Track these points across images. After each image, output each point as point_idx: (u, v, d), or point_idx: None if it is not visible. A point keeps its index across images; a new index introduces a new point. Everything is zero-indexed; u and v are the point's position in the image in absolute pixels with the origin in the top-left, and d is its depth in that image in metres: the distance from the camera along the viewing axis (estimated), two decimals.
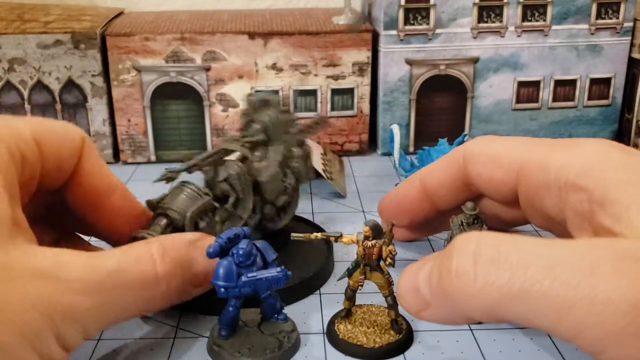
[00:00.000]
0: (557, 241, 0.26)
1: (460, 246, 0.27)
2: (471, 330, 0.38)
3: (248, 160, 0.42)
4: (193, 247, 0.35)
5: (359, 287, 0.37)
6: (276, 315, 0.37)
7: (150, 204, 0.39)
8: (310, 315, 0.39)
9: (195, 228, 0.39)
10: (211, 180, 0.42)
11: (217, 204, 0.40)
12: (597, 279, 0.23)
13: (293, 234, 0.37)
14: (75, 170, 0.36)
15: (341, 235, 0.36)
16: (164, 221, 0.38)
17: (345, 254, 0.46)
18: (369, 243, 0.35)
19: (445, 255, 0.27)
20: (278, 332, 0.36)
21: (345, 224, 0.51)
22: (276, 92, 0.64)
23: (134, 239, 0.37)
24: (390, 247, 0.35)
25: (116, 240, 0.39)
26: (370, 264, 0.35)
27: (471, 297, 0.26)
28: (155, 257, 0.32)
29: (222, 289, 0.34)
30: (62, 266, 0.29)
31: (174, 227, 0.38)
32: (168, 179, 0.40)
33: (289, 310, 0.38)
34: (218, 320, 0.36)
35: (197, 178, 0.42)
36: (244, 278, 0.34)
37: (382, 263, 0.36)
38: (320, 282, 0.42)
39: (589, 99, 0.67)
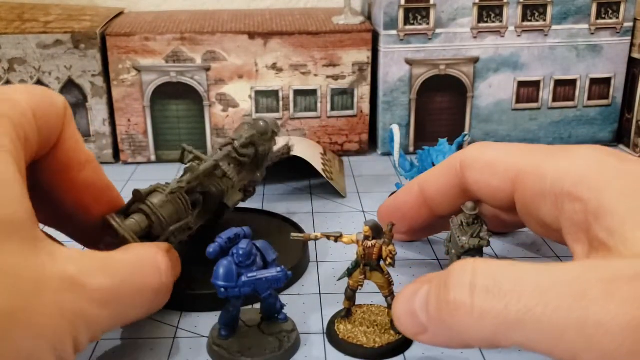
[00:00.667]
0: (551, 265, 0.26)
1: (456, 276, 0.27)
2: None
3: (230, 188, 0.44)
4: (166, 259, 0.35)
5: (359, 287, 0.37)
6: (276, 315, 0.37)
7: (137, 195, 0.37)
8: (310, 315, 0.39)
9: (167, 240, 0.38)
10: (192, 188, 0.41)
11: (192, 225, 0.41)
12: (588, 303, 0.23)
13: (293, 234, 0.37)
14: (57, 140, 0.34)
15: (341, 235, 0.36)
16: (145, 222, 0.37)
17: (345, 254, 0.46)
18: (369, 243, 0.35)
19: (442, 284, 0.27)
20: (278, 332, 0.36)
21: (345, 224, 0.51)
22: (276, 92, 0.64)
23: (105, 222, 0.36)
24: (390, 247, 0.35)
25: (83, 220, 0.37)
26: (370, 264, 0.35)
27: (469, 327, 0.26)
28: (162, 269, 0.34)
29: (222, 289, 0.34)
30: (85, 273, 0.29)
31: (150, 232, 0.37)
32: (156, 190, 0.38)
33: (289, 309, 0.38)
34: (218, 320, 0.36)
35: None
36: (244, 278, 0.34)
37: (382, 263, 0.36)
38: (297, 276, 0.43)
39: (589, 99, 0.67)
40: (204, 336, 0.37)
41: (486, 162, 0.36)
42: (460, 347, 0.30)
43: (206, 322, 0.38)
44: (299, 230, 0.47)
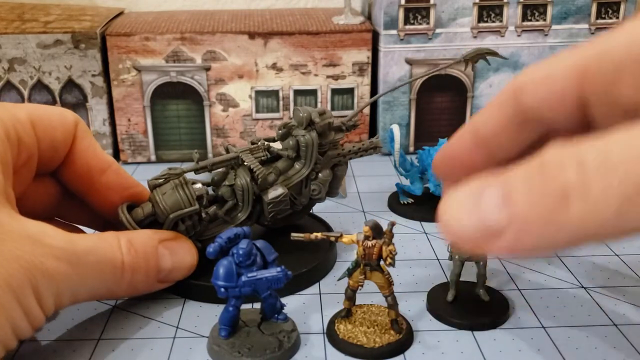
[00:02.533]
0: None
1: (556, 158, 0.21)
2: (471, 330, 0.38)
3: (263, 179, 0.42)
4: (162, 245, 0.38)
5: (359, 287, 0.37)
6: (276, 315, 0.37)
7: (150, 185, 0.41)
8: (310, 315, 0.39)
9: (174, 228, 0.40)
10: (218, 180, 0.43)
11: (204, 212, 0.41)
12: None
13: (293, 234, 0.37)
14: (70, 151, 0.39)
15: (341, 235, 0.36)
16: (149, 209, 0.40)
17: (345, 254, 0.46)
18: (369, 243, 0.35)
19: (534, 172, 0.22)
20: (278, 332, 0.36)
21: (345, 224, 0.51)
22: (276, 92, 0.64)
23: (120, 212, 0.40)
24: (391, 247, 0.35)
25: (114, 218, 0.41)
26: (371, 263, 0.35)
27: (583, 215, 0.20)
28: (123, 248, 0.36)
29: (222, 289, 0.34)
30: (46, 234, 0.32)
31: (155, 220, 0.41)
32: (166, 180, 0.41)
33: (289, 309, 0.38)
34: (218, 320, 0.36)
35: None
36: (244, 278, 0.34)
37: (382, 263, 0.36)
38: (320, 276, 0.43)
39: None
40: (204, 336, 0.37)
41: (542, 73, 0.30)
42: (550, 249, 0.23)
43: (206, 322, 0.38)
44: (328, 228, 0.48)
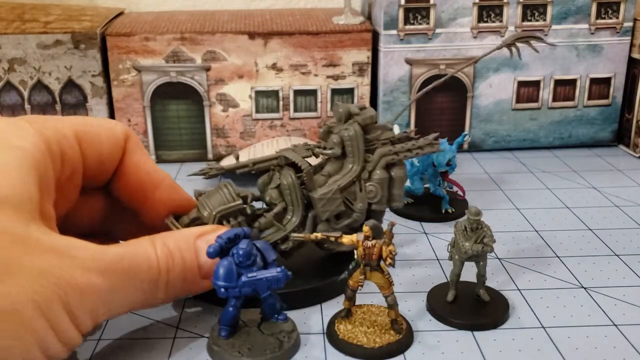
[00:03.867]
0: None
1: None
2: (471, 330, 0.38)
3: (308, 174, 0.40)
4: (200, 240, 0.36)
5: (359, 287, 0.37)
6: (276, 315, 0.37)
7: (196, 194, 0.40)
8: (310, 315, 0.39)
9: None
10: (262, 185, 0.41)
11: (249, 209, 0.39)
12: None
13: (293, 234, 0.37)
14: (120, 165, 0.38)
15: (341, 236, 0.36)
16: (194, 214, 0.39)
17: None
18: (369, 243, 0.35)
19: None
20: (278, 332, 0.36)
21: None
22: (276, 92, 0.64)
23: (165, 224, 0.39)
24: (391, 247, 0.35)
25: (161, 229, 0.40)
26: (371, 264, 0.35)
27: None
28: (157, 248, 0.34)
29: (222, 289, 0.34)
30: (74, 247, 0.30)
31: (201, 222, 0.39)
32: (204, 174, 0.40)
33: (289, 310, 0.38)
34: (218, 320, 0.36)
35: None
36: (244, 278, 0.34)
37: (382, 263, 0.36)
38: (323, 297, 0.41)
39: (589, 98, 0.67)
40: (204, 336, 0.37)
41: None
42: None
43: (206, 322, 0.38)
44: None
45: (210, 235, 0.36)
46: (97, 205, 0.40)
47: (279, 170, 0.40)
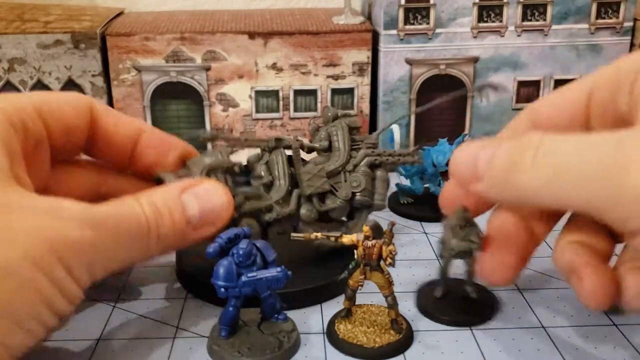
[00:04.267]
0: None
1: (527, 142, 0.29)
2: (471, 329, 0.38)
3: (296, 150, 0.42)
4: (185, 194, 0.36)
5: (359, 287, 0.37)
6: (276, 315, 0.37)
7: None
8: (310, 315, 0.39)
9: None
10: (252, 161, 0.43)
11: (238, 169, 0.41)
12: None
13: (292, 234, 0.37)
14: (93, 133, 0.39)
15: (341, 235, 0.36)
16: (183, 172, 0.40)
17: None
18: (369, 243, 0.35)
19: (513, 147, 0.29)
20: (278, 331, 0.36)
21: None
22: (276, 92, 0.64)
23: (157, 179, 0.39)
24: (391, 247, 0.35)
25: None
26: (371, 263, 0.35)
27: (526, 183, 0.28)
28: (143, 205, 0.34)
29: (222, 289, 0.34)
30: (62, 207, 0.31)
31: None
32: (196, 138, 0.41)
33: (289, 310, 0.38)
34: (218, 320, 0.36)
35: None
36: (244, 278, 0.34)
37: (382, 263, 0.35)
38: (323, 297, 0.41)
39: None
40: (204, 336, 0.37)
41: (555, 97, 0.36)
42: (506, 199, 0.32)
43: (206, 322, 0.38)
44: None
45: (195, 188, 0.36)
46: (84, 179, 0.41)
47: (270, 151, 0.42)
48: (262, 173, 0.42)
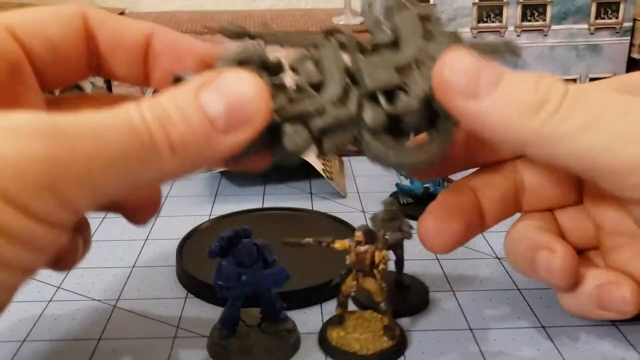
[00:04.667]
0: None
1: (550, 83, 0.27)
2: (471, 329, 0.38)
3: (351, 39, 0.31)
4: (203, 89, 0.27)
5: (352, 294, 0.36)
6: (276, 315, 0.37)
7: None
8: (310, 315, 0.39)
9: None
10: (297, 63, 0.32)
11: (276, 63, 0.31)
12: None
13: (285, 240, 0.36)
14: (91, 47, 0.32)
15: (333, 241, 0.35)
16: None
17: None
18: (362, 248, 0.34)
19: (533, 81, 0.27)
20: (278, 331, 0.36)
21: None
22: None
23: (176, 78, 0.30)
24: (384, 253, 0.34)
25: None
26: (363, 269, 0.35)
27: (547, 122, 0.26)
28: (143, 107, 0.25)
29: (223, 289, 0.34)
30: (13, 122, 0.23)
31: None
32: (223, 31, 0.32)
33: (289, 310, 0.38)
34: (218, 320, 0.36)
35: None
36: (244, 278, 0.34)
37: (375, 269, 0.35)
38: (323, 297, 0.41)
39: None
40: (204, 336, 0.37)
41: None
42: (508, 136, 0.28)
43: (206, 322, 0.38)
44: (351, 227, 0.47)
45: (216, 81, 0.27)
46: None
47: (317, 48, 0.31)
48: (310, 71, 0.31)
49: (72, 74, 0.32)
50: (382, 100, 0.30)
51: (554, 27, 0.64)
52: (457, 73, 0.28)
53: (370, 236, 0.34)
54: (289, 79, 0.32)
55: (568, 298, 0.35)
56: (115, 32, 0.32)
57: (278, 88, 0.30)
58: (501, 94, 0.27)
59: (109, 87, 0.63)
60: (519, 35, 0.64)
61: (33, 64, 0.30)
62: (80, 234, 0.32)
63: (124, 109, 0.25)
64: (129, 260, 0.46)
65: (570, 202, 0.36)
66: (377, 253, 0.34)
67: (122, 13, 0.71)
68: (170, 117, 0.26)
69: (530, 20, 0.64)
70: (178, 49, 0.33)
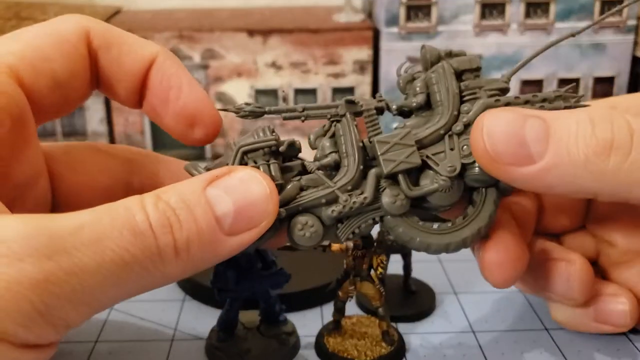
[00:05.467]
0: None
1: (608, 118, 0.25)
2: (473, 332, 0.37)
3: (370, 113, 0.29)
4: (211, 187, 0.25)
5: (349, 299, 0.35)
6: (275, 317, 0.36)
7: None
8: (310, 317, 0.39)
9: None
10: (316, 138, 0.30)
11: (286, 149, 0.29)
12: None
13: (279, 247, 0.35)
14: (94, 71, 0.30)
15: (330, 245, 0.34)
16: (220, 161, 0.30)
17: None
18: (359, 252, 0.33)
19: (588, 123, 0.25)
20: (278, 334, 0.36)
21: None
22: (276, 90, 0.63)
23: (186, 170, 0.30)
24: (381, 257, 0.33)
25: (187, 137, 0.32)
26: (361, 274, 0.34)
27: (623, 167, 0.24)
28: (147, 205, 0.24)
29: (221, 292, 0.34)
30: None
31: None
32: (237, 111, 0.30)
33: (288, 311, 0.38)
34: (217, 322, 0.36)
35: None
36: (242, 280, 0.34)
37: (372, 273, 0.34)
38: (323, 299, 0.40)
39: (593, 97, 0.66)
40: (202, 338, 0.37)
41: None
42: (573, 190, 0.26)
43: (204, 324, 0.38)
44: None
45: (226, 178, 0.26)
46: (105, 164, 0.32)
47: (337, 121, 0.29)
48: (326, 150, 0.29)
49: (75, 103, 0.30)
50: (402, 182, 0.28)
51: (557, 25, 0.64)
52: (499, 142, 0.26)
53: (367, 239, 0.33)
54: (308, 161, 0.30)
55: (562, 310, 0.34)
56: (118, 60, 0.30)
57: (289, 173, 0.29)
58: (558, 148, 0.25)
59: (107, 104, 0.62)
60: (522, 34, 0.64)
61: (35, 104, 0.28)
62: None
63: (127, 206, 0.23)
64: None
65: (577, 225, 0.36)
66: (374, 257, 0.34)
67: (119, 11, 0.70)
68: (177, 216, 0.24)
69: (533, 18, 0.63)
70: (167, 91, 0.31)
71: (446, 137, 0.29)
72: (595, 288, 0.33)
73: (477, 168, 0.28)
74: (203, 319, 0.39)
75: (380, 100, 0.30)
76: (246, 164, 0.28)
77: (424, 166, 0.28)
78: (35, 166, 0.28)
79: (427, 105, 0.30)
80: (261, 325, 0.36)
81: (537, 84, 0.65)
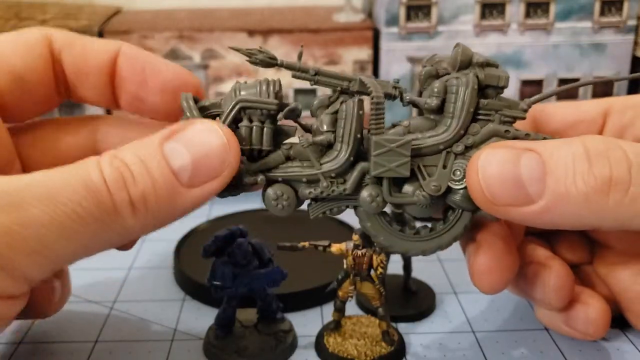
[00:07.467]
0: None
1: (604, 152, 0.24)
2: (473, 332, 0.37)
3: (378, 103, 0.28)
4: (169, 142, 0.26)
5: (349, 299, 0.35)
6: (273, 315, 0.36)
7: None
8: (309, 316, 0.39)
9: (235, 125, 0.28)
10: (319, 107, 0.30)
11: (284, 115, 0.29)
12: None
13: (279, 244, 0.35)
14: (59, 73, 0.31)
15: (330, 245, 0.34)
16: (216, 100, 0.30)
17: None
18: (359, 252, 0.33)
19: (584, 158, 0.24)
20: (275, 331, 0.36)
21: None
22: None
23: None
24: (381, 256, 0.33)
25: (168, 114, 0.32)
26: (361, 274, 0.34)
27: (616, 206, 0.24)
28: (102, 162, 0.25)
29: (218, 289, 0.34)
30: None
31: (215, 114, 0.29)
32: (249, 54, 0.30)
33: (286, 309, 0.38)
34: (214, 320, 0.36)
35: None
36: (239, 277, 0.34)
37: (372, 273, 0.34)
38: (323, 299, 0.40)
39: (593, 97, 0.66)
40: (201, 337, 0.37)
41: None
42: (576, 225, 0.26)
43: (204, 323, 0.38)
44: (350, 229, 0.47)
45: (183, 132, 0.26)
46: (74, 138, 0.32)
47: (346, 97, 0.29)
48: (324, 126, 0.29)
49: (42, 104, 0.31)
50: (385, 186, 0.28)
51: (557, 25, 0.64)
52: (496, 184, 0.26)
53: (367, 239, 0.33)
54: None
55: (543, 311, 0.35)
56: (81, 56, 0.31)
57: (282, 136, 0.29)
58: (556, 187, 0.25)
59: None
60: (522, 33, 0.64)
61: (2, 101, 0.29)
62: (58, 279, 0.32)
63: (84, 165, 0.24)
64: (125, 262, 0.46)
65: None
66: (374, 257, 0.33)
67: (119, 11, 0.70)
68: (130, 171, 0.25)
69: (533, 18, 0.63)
70: (142, 72, 0.31)
71: (444, 152, 0.29)
72: (575, 293, 0.33)
73: (459, 195, 0.29)
74: (203, 318, 0.39)
75: (396, 88, 0.29)
76: (241, 120, 0.28)
77: (413, 173, 0.28)
78: (6, 156, 0.29)
79: (439, 109, 0.29)
80: (259, 323, 0.36)
81: (537, 84, 0.65)
